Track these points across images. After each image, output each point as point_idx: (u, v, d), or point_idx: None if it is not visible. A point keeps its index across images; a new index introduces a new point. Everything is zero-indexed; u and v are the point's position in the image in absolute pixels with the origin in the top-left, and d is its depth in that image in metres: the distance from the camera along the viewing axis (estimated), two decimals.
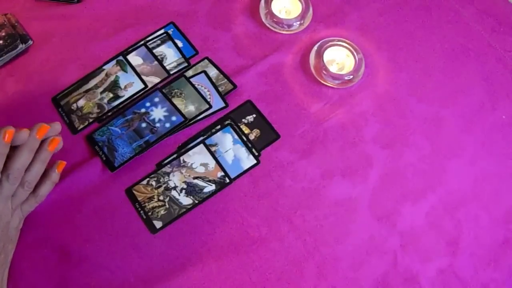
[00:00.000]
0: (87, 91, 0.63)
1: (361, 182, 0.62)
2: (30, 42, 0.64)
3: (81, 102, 0.62)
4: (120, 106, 0.62)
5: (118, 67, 0.64)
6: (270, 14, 0.68)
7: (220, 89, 0.64)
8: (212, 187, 0.59)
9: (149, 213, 0.57)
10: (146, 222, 0.57)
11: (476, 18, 0.74)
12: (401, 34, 0.72)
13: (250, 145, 0.62)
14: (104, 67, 0.64)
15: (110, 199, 0.58)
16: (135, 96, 0.63)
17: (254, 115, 0.64)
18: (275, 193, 0.60)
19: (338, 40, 0.67)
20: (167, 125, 0.61)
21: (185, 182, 0.59)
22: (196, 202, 0.58)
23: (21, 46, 0.63)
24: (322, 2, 0.72)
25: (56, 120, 0.61)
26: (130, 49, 0.66)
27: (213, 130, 0.62)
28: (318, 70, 0.66)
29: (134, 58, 0.65)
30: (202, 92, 0.63)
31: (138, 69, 0.64)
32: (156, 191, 0.58)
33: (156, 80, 0.64)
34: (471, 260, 0.60)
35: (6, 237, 0.49)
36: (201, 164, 0.60)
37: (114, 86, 0.63)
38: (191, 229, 0.57)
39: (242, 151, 0.61)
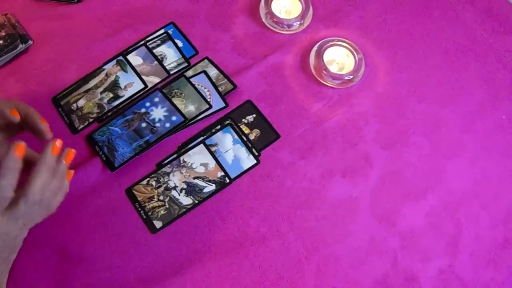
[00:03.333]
0: (87, 91, 0.63)
1: (361, 182, 0.62)
2: (30, 42, 0.64)
3: (81, 102, 0.62)
4: (120, 106, 0.62)
5: (118, 67, 0.64)
6: (270, 14, 0.68)
7: (220, 89, 0.64)
8: (212, 187, 0.59)
9: (149, 213, 0.57)
10: (146, 222, 0.57)
11: (476, 18, 0.74)
12: (401, 34, 0.72)
13: (250, 145, 0.62)
14: (104, 67, 0.64)
15: (110, 199, 0.58)
16: (135, 96, 0.63)
17: (254, 115, 0.64)
18: (275, 193, 0.60)
19: (338, 40, 0.67)
20: (167, 125, 0.61)
21: (185, 182, 0.59)
22: (196, 202, 0.58)
23: (21, 46, 0.63)
24: (322, 2, 0.72)
25: (56, 120, 0.61)
26: (130, 49, 0.66)
27: (213, 130, 0.62)
28: (318, 70, 0.66)
29: (134, 58, 0.65)
30: (202, 92, 0.63)
31: (138, 69, 0.64)
32: (156, 191, 0.58)
33: (156, 80, 0.64)
34: (471, 260, 0.60)
35: (10, 248, 0.49)
36: (201, 164, 0.60)
37: (114, 86, 0.63)
38: (191, 229, 0.57)
39: (242, 151, 0.61)
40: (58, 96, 0.62)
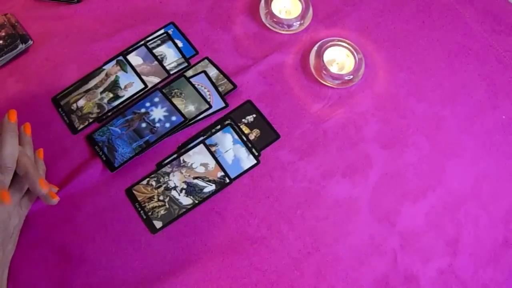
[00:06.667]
0: (87, 91, 0.63)
1: (361, 182, 0.62)
2: (30, 42, 0.64)
3: (81, 102, 0.62)
4: (120, 106, 0.62)
5: (118, 67, 0.64)
6: (270, 14, 0.68)
7: (220, 89, 0.64)
8: (212, 187, 0.59)
9: (149, 213, 0.57)
10: (146, 222, 0.57)
11: (476, 18, 0.74)
12: (401, 34, 0.72)
13: (250, 145, 0.62)
14: (104, 67, 0.64)
15: (110, 199, 0.58)
16: (135, 96, 0.63)
17: (254, 115, 0.64)
18: (275, 193, 0.60)
19: (338, 40, 0.67)
20: (167, 125, 0.61)
21: (185, 182, 0.59)
22: (196, 202, 0.58)
23: (21, 46, 0.63)
24: (322, 2, 0.72)
25: (56, 120, 0.61)
26: (130, 49, 0.66)
27: (213, 130, 0.62)
28: (318, 70, 0.66)
29: (134, 58, 0.65)
30: (202, 92, 0.63)
31: (138, 69, 0.64)
32: (156, 191, 0.58)
33: (156, 80, 0.64)
34: (471, 260, 0.60)
35: (5, 232, 0.49)
36: (201, 164, 0.60)
37: (114, 86, 0.63)
38: (191, 229, 0.57)
39: (242, 151, 0.61)
40: (58, 96, 0.62)
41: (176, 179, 0.59)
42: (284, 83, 0.66)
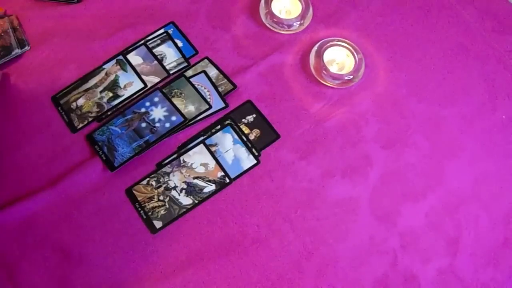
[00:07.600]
0: (86, 90, 0.63)
1: (361, 182, 0.62)
2: (27, 47, 0.64)
3: (80, 101, 0.62)
4: (120, 105, 0.62)
5: (118, 67, 0.64)
6: (270, 14, 0.68)
7: (220, 89, 0.64)
8: (212, 187, 0.59)
9: (149, 213, 0.57)
10: (146, 222, 0.57)
11: (476, 18, 0.74)
12: (401, 34, 0.72)
13: (250, 145, 0.62)
14: (104, 66, 0.64)
15: (110, 199, 0.58)
16: (135, 96, 0.63)
17: (254, 115, 0.64)
18: (275, 193, 0.60)
19: (338, 40, 0.67)
20: (167, 125, 0.61)
21: (185, 182, 0.59)
22: (196, 202, 0.58)
23: (17, 51, 0.63)
24: (322, 2, 0.72)
25: (55, 119, 0.61)
26: (130, 48, 0.65)
27: (213, 130, 0.62)
28: (318, 70, 0.66)
29: (134, 58, 0.65)
30: (202, 92, 0.63)
31: (138, 68, 0.64)
32: (156, 191, 0.58)
33: (156, 79, 0.64)
34: (471, 260, 0.60)
35: None
36: (201, 164, 0.60)
37: (113, 85, 0.63)
38: (191, 229, 0.57)
39: (242, 151, 0.61)
40: (57, 95, 0.62)
41: (176, 179, 0.59)
42: (284, 83, 0.66)
